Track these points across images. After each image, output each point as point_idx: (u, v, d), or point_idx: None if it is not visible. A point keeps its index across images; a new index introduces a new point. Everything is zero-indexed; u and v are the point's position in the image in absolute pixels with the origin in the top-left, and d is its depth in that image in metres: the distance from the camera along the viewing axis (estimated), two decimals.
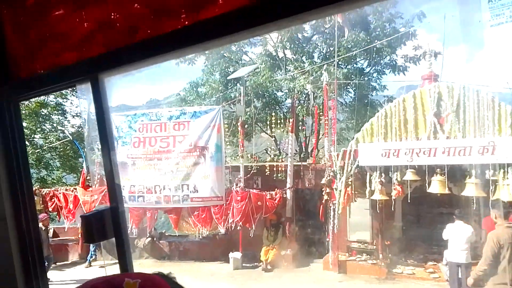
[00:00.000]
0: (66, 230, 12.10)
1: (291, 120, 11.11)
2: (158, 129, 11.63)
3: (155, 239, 12.18)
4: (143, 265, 11.51)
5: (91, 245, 12.01)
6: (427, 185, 8.97)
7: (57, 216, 12.38)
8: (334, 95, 12.12)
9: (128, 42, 1.12)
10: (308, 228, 11.98)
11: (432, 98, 9.22)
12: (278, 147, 14.11)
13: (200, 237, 11.38)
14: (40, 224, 8.73)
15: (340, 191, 9.97)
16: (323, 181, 10.29)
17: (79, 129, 16.57)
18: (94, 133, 16.65)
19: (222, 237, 11.76)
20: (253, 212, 10.96)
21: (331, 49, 16.44)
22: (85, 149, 13.03)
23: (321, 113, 13.11)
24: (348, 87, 16.17)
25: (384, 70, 17.17)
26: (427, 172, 8.98)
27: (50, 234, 11.92)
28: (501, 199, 7.99)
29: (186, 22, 0.98)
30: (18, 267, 1.50)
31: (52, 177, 16.78)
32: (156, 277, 0.76)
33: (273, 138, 16.18)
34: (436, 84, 9.42)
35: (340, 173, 10.05)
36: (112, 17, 1.11)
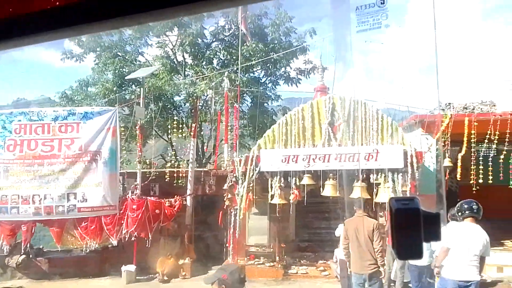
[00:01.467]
0: None
1: (193, 125, 10.84)
2: (40, 131, 10.26)
3: (30, 256, 10.59)
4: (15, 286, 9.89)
5: None
6: (321, 188, 9.61)
7: None
8: (236, 102, 12.25)
9: (17, 13, 0.96)
10: (208, 234, 11.79)
11: (327, 108, 9.94)
12: (174, 152, 13.62)
13: (88, 251, 10.27)
14: None
15: (242, 196, 10.06)
16: (225, 186, 10.26)
17: None
18: None
19: (114, 249, 10.79)
20: (150, 221, 10.34)
21: (229, 57, 16.68)
22: None
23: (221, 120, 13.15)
24: (245, 95, 16.57)
25: (278, 80, 18.09)
26: (321, 177, 9.63)
27: None
28: (362, 198, 8.86)
29: (57, 3, 0.88)
30: None
31: None
32: None
33: (170, 143, 15.61)
34: (331, 96, 10.20)
35: (242, 178, 10.15)
36: None
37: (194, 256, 10.91)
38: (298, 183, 9.72)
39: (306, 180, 9.62)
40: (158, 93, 13.33)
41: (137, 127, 10.50)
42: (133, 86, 14.82)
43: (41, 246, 11.45)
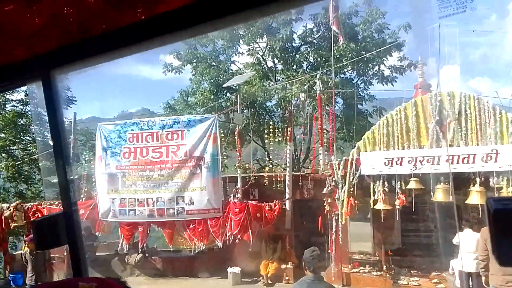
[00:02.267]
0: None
1: (288, 128, 10.88)
2: (150, 139, 11.12)
3: (146, 255, 11.55)
4: (134, 283, 10.85)
5: None
6: (431, 193, 8.91)
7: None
8: (329, 104, 12.01)
9: (81, 37, 1.07)
10: (308, 239, 11.68)
11: (433, 106, 9.22)
12: (269, 157, 13.79)
13: (196, 251, 10.84)
14: (26, 249, 7.94)
15: (343, 201, 9.80)
16: (325, 191, 10.08)
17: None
18: (80, 144, 15.91)
19: (219, 251, 11.25)
20: (252, 224, 10.59)
21: (319, 59, 16.48)
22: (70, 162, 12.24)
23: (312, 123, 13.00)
24: (337, 97, 16.21)
25: (371, 80, 17.36)
26: (430, 181, 8.93)
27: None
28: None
29: (142, 17, 0.94)
30: None
31: (32, 191, 15.78)
32: (112, 281, 0.77)
33: (263, 148, 15.90)
34: (437, 92, 9.45)
35: (342, 182, 9.89)
36: (65, 11, 1.04)
37: (295, 261, 10.88)
38: (403, 187, 9.16)
39: (413, 184, 9.02)
40: (251, 100, 13.65)
41: (235, 133, 10.84)
42: (227, 94, 15.42)
43: (154, 246, 12.42)
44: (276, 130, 11.89)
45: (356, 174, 9.72)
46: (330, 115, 11.41)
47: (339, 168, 9.97)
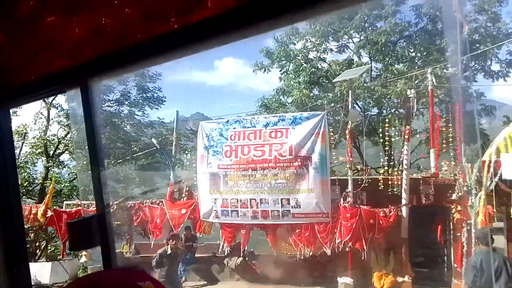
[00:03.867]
0: (152, 246, 11.16)
1: (407, 127, 9.76)
2: (252, 137, 10.62)
3: (246, 259, 11.04)
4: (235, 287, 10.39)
5: (180, 264, 11.05)
6: None
7: (142, 232, 11.52)
8: (449, 99, 10.71)
9: (117, 47, 1.12)
10: (426, 251, 10.44)
11: None
12: (389, 158, 12.63)
13: (302, 258, 10.10)
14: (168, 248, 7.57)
15: (478, 209, 8.49)
16: (454, 197, 8.85)
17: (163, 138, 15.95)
18: (182, 143, 16.04)
19: (322, 258, 10.40)
20: (365, 231, 9.62)
21: (420, 54, 15.09)
22: (172, 160, 12.20)
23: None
24: (443, 93, 14.66)
25: (476, 75, 15.57)
26: None
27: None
28: None
29: (176, 26, 0.97)
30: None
31: (128, 190, 16.21)
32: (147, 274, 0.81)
33: (359, 149, 14.80)
34: None
35: (476, 188, 8.59)
36: (103, 22, 1.11)
37: (412, 274, 9.73)
38: None
39: None
40: (355, 97, 12.71)
41: (346, 131, 9.96)
42: (320, 91, 14.61)
43: (251, 250, 11.89)
44: (393, 128, 10.77)
45: (494, 178, 8.38)
46: (457, 110, 10.11)
47: (472, 171, 8.68)
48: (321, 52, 15.77)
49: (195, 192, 11.36)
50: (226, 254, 10.84)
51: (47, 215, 10.91)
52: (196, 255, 11.40)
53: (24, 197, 15.20)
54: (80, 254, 11.26)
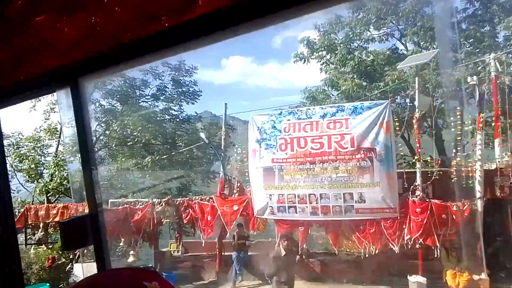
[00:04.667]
0: (203, 244, 10.69)
1: (481, 115, 9.06)
2: (309, 129, 10.04)
3: (303, 257, 10.47)
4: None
5: (235, 262, 10.57)
6: None
7: (191, 229, 11.05)
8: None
9: (107, 46, 1.10)
10: (505, 246, 9.73)
11: None
12: (457, 149, 11.87)
13: (366, 256, 9.48)
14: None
15: None
16: None
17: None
18: (232, 137, 15.56)
19: (392, 256, 9.73)
20: (437, 226, 8.97)
21: (476, 39, 14.25)
22: (221, 155, 11.69)
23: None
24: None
25: None
26: None
27: None
28: None
29: (167, 24, 0.96)
30: None
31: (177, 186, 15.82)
32: (158, 274, 0.81)
33: (408, 142, 14.09)
34: None
35: None
36: (94, 22, 1.09)
37: (489, 271, 9.04)
38: None
39: None
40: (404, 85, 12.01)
41: (414, 120, 9.30)
42: (366, 80, 13.92)
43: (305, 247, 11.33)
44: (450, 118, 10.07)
45: None
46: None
47: None
48: (364, 41, 15.08)
49: (247, 187, 10.85)
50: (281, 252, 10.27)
51: None
52: (249, 253, 10.89)
53: (62, 195, 15.00)
54: (128, 254, 10.86)
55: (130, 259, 10.85)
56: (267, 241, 11.38)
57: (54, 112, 16.03)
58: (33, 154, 15.98)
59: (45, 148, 16.50)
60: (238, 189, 10.84)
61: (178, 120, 17.25)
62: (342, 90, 13.19)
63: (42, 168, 16.05)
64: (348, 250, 9.85)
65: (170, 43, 1.00)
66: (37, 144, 16.20)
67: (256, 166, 10.41)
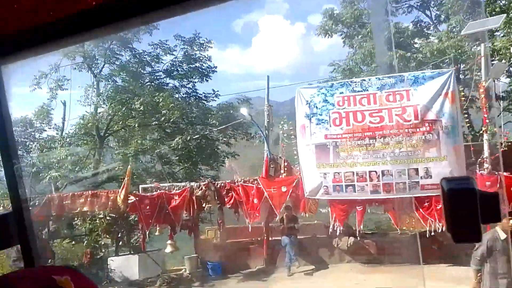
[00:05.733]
0: (250, 230, 9.83)
1: None
2: (365, 102, 9.37)
3: (358, 238, 9.90)
4: (355, 270, 9.26)
5: (288, 247, 9.81)
6: None
7: (236, 214, 10.13)
8: None
9: (26, 26, 1.01)
10: None
11: None
12: None
13: (431, 233, 9.01)
14: None
15: None
16: None
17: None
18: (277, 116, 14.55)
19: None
20: (507, 200, 8.60)
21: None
22: (266, 133, 10.79)
23: None
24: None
25: None
26: None
27: None
28: None
29: (94, 3, 0.88)
30: None
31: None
32: (78, 272, 0.75)
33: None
34: None
35: None
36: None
37: None
38: None
39: None
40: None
41: (481, 90, 8.82)
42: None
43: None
44: None
45: None
46: None
47: None
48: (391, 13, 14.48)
49: (295, 167, 10.06)
50: (338, 234, 9.65)
51: (129, 201, 9.38)
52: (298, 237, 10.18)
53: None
54: (166, 244, 9.86)
55: (168, 249, 9.86)
56: (313, 223, 10.68)
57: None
58: None
59: None
60: (285, 168, 10.02)
61: (196, 97, 16.02)
62: (378, 62, 12.61)
63: None
64: (410, 228, 9.34)
65: (94, 24, 0.93)
66: None
67: (306, 143, 9.67)
